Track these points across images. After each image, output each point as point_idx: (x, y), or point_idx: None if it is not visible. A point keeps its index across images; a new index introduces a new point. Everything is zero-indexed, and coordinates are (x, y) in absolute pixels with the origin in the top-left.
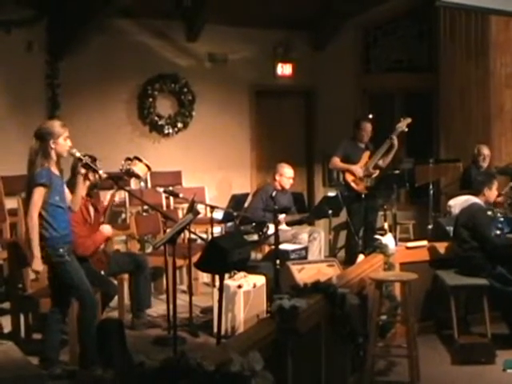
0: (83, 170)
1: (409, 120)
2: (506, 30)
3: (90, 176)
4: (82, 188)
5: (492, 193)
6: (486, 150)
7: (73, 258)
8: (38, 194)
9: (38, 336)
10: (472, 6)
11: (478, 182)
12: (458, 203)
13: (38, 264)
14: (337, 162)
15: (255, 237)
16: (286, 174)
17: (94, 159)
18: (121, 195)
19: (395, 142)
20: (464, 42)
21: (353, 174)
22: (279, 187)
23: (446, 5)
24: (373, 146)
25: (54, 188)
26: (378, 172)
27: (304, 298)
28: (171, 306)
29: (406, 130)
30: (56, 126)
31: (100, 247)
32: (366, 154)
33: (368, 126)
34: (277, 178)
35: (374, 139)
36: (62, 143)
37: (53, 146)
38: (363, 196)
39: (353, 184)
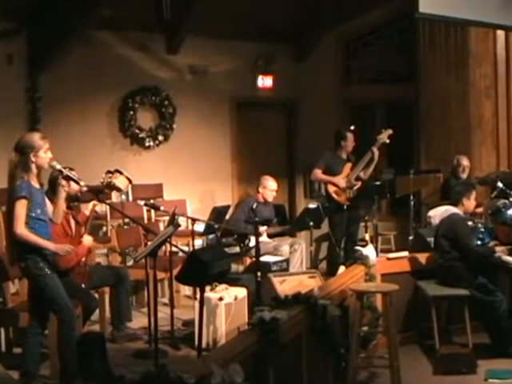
0: (64, 182)
1: (390, 131)
2: (485, 41)
3: (71, 188)
4: (64, 200)
5: (470, 203)
6: (465, 161)
7: (53, 271)
8: (21, 206)
9: (18, 350)
10: (451, 17)
11: (456, 192)
12: (437, 214)
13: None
14: (318, 173)
15: (237, 249)
16: (270, 187)
17: (71, 169)
18: (102, 208)
19: (376, 154)
20: (444, 53)
21: (335, 185)
22: (262, 199)
23: (426, 16)
24: (354, 157)
25: (35, 201)
26: (359, 183)
27: (285, 310)
28: (152, 319)
29: (388, 141)
30: (36, 138)
31: (82, 260)
32: (348, 166)
33: (350, 138)
34: (260, 190)
35: (355, 150)
36: (43, 156)
37: (33, 159)
38: (345, 207)
39: (334, 195)
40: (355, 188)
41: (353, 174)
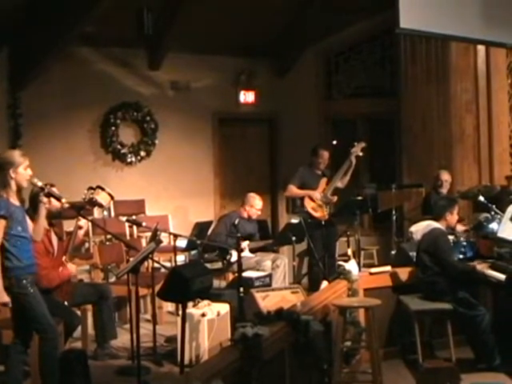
0: (45, 199)
1: (363, 144)
2: (466, 55)
3: (52, 205)
4: (44, 217)
5: (453, 217)
6: (445, 176)
7: (36, 290)
8: None
9: (0, 368)
10: (432, 32)
11: (439, 206)
12: (419, 229)
13: (2, 296)
14: (293, 189)
15: (219, 264)
16: (257, 206)
17: (51, 186)
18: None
19: (353, 162)
20: (425, 68)
21: (311, 199)
22: (246, 216)
23: (407, 32)
24: (329, 172)
25: (15, 219)
26: (336, 198)
27: (267, 326)
28: (135, 336)
29: (361, 154)
30: (15, 155)
31: (64, 281)
32: (324, 181)
33: (325, 154)
34: (247, 208)
35: (335, 165)
36: (22, 173)
37: (13, 175)
38: (323, 223)
39: (312, 211)
40: (332, 202)
41: (329, 188)
